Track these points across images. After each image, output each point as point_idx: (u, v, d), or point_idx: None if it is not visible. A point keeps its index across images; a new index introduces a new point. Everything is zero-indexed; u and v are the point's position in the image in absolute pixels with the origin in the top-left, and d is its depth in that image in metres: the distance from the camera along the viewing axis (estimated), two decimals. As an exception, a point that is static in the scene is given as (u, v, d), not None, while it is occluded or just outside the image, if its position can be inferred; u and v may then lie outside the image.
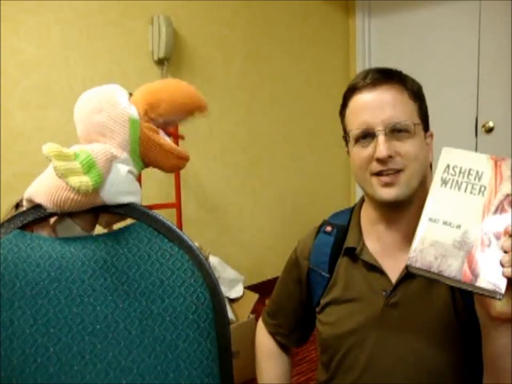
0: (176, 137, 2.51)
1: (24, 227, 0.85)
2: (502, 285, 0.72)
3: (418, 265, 0.77)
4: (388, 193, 0.97)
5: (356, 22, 4.02)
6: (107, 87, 0.89)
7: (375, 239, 1.06)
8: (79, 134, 0.88)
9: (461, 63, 3.43)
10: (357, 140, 1.00)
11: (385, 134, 0.95)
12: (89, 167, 0.77)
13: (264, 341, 1.29)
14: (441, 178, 0.80)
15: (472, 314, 0.88)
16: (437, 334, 0.96)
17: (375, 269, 1.03)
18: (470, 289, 0.75)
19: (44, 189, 0.82)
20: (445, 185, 0.80)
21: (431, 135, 1.05)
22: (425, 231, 0.78)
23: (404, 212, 1.01)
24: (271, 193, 3.65)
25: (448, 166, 0.81)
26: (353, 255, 1.07)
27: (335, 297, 1.09)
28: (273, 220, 3.67)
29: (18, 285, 0.79)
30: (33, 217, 0.84)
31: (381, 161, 0.96)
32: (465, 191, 0.79)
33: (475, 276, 0.73)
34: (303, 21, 3.71)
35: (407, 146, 0.96)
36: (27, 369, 0.76)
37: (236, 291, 2.64)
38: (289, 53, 3.67)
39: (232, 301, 2.61)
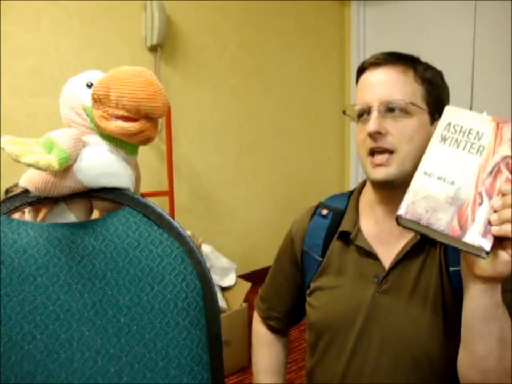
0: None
1: (12, 213, 0.83)
2: (488, 243, 0.73)
3: (408, 216, 0.77)
4: (378, 173, 0.97)
5: (351, 11, 4.00)
6: (78, 76, 0.87)
7: (373, 222, 1.06)
8: None
9: (456, 53, 3.42)
10: (359, 117, 1.01)
11: (379, 111, 0.96)
12: (49, 146, 0.76)
13: (257, 328, 1.29)
14: (441, 135, 0.81)
15: (458, 300, 0.89)
16: (424, 321, 0.96)
17: (368, 254, 1.03)
18: (456, 245, 0.75)
19: (29, 173, 0.82)
20: (444, 142, 0.80)
21: None
22: (419, 184, 0.79)
23: (400, 194, 1.00)
24: (264, 181, 3.64)
25: (449, 124, 0.81)
26: (347, 239, 1.06)
27: (325, 281, 1.08)
28: (266, 208, 3.66)
29: (4, 271, 0.77)
30: (20, 202, 0.83)
31: (372, 137, 0.96)
32: (463, 149, 0.79)
33: (463, 231, 0.74)
34: (297, 8, 3.68)
35: (400, 126, 0.95)
36: (13, 357, 0.75)
37: (229, 279, 2.64)
38: (283, 40, 3.64)
39: (224, 289, 2.61)
